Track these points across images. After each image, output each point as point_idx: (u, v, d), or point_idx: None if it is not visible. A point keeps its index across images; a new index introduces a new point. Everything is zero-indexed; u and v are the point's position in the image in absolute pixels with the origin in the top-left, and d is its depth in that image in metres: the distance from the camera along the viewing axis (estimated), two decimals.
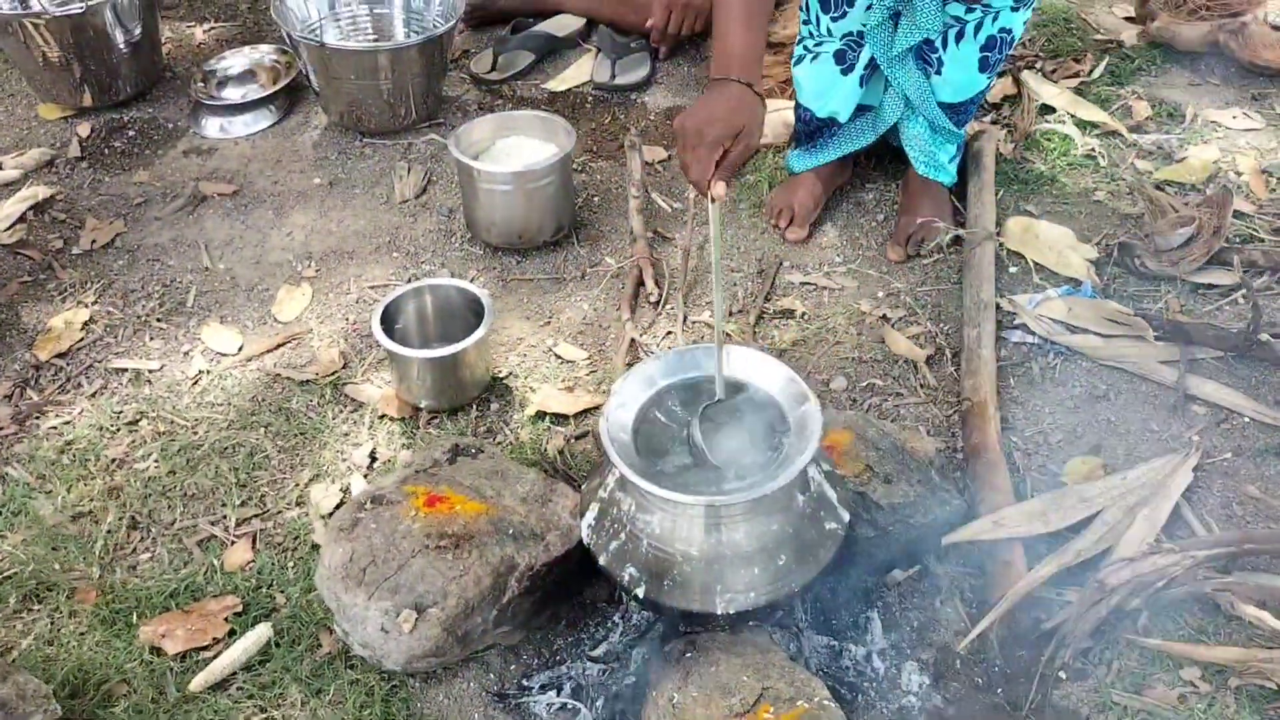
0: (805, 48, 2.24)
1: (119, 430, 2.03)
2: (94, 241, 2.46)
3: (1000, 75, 2.66)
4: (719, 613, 1.40)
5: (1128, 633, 1.62)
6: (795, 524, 1.42)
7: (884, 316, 2.18)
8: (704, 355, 1.51)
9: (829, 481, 1.48)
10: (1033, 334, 2.10)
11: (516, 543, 1.58)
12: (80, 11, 2.64)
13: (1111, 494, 1.79)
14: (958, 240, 2.27)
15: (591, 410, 2.03)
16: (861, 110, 2.33)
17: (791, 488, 1.40)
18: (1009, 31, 2.09)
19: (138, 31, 2.78)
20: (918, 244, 2.30)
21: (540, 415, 2.02)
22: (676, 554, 1.40)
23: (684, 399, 1.51)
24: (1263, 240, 2.26)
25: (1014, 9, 2.05)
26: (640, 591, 1.42)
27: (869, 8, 2.10)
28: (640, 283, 2.28)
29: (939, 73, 2.15)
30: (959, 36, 2.09)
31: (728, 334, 2.15)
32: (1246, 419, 1.94)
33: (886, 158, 2.49)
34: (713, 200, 1.52)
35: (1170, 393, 1.99)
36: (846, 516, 1.48)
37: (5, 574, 1.79)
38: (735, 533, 1.39)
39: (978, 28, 2.07)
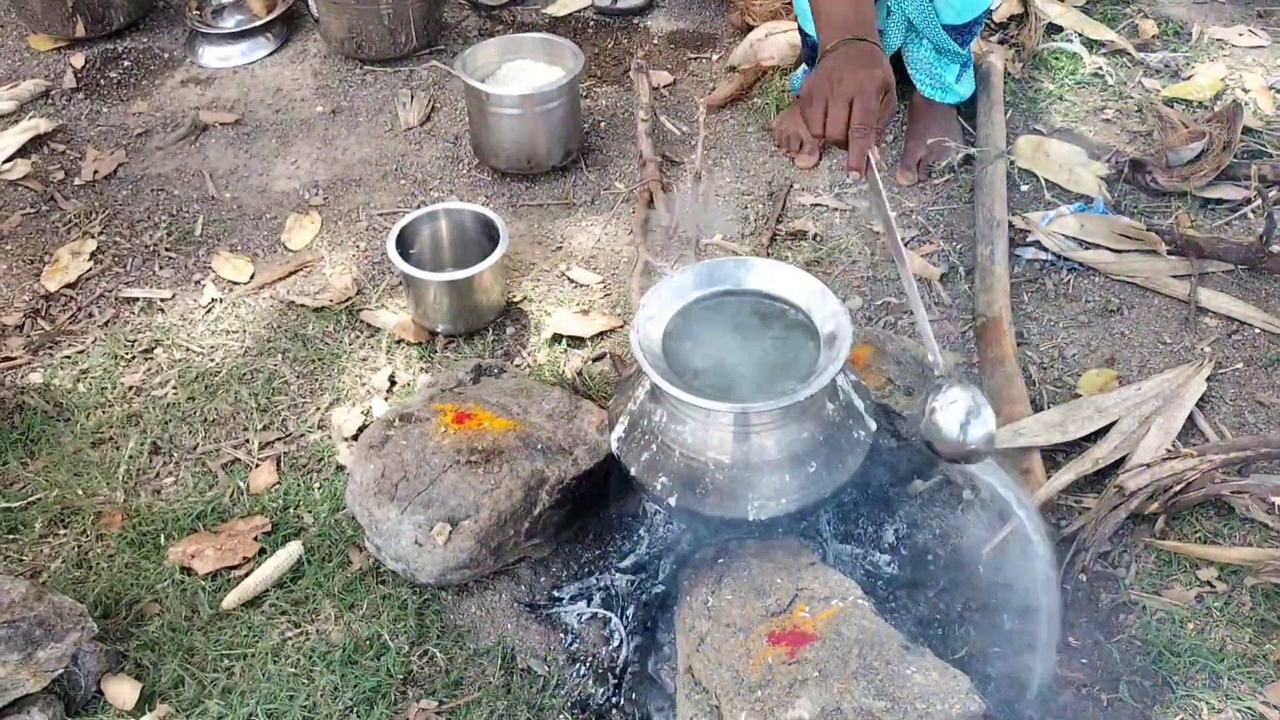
0: None
1: (134, 358, 2.03)
2: (96, 172, 2.43)
3: None
4: (750, 519, 1.42)
5: (1145, 535, 1.65)
6: (825, 431, 1.43)
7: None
8: (734, 268, 1.51)
9: (856, 392, 1.50)
10: (1045, 250, 2.11)
11: (545, 457, 1.59)
12: None
13: (1126, 404, 1.82)
14: (968, 159, 2.27)
15: (607, 333, 2.04)
16: None
17: (822, 396, 1.41)
18: None
19: None
20: (928, 167, 2.30)
21: (557, 338, 2.02)
22: (709, 462, 1.42)
23: (714, 311, 1.51)
24: (1271, 155, 2.27)
25: None
26: (673, 500, 1.44)
27: None
28: (651, 206, 2.27)
29: None
30: None
31: (736, 253, 2.15)
32: (1257, 330, 1.96)
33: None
34: (873, 164, 1.40)
35: (1182, 306, 2.01)
36: (873, 425, 1.50)
37: (30, 499, 1.79)
38: (766, 440, 1.41)
39: None
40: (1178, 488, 1.64)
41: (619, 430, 1.52)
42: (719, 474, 1.42)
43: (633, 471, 1.49)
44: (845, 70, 1.41)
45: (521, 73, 2.37)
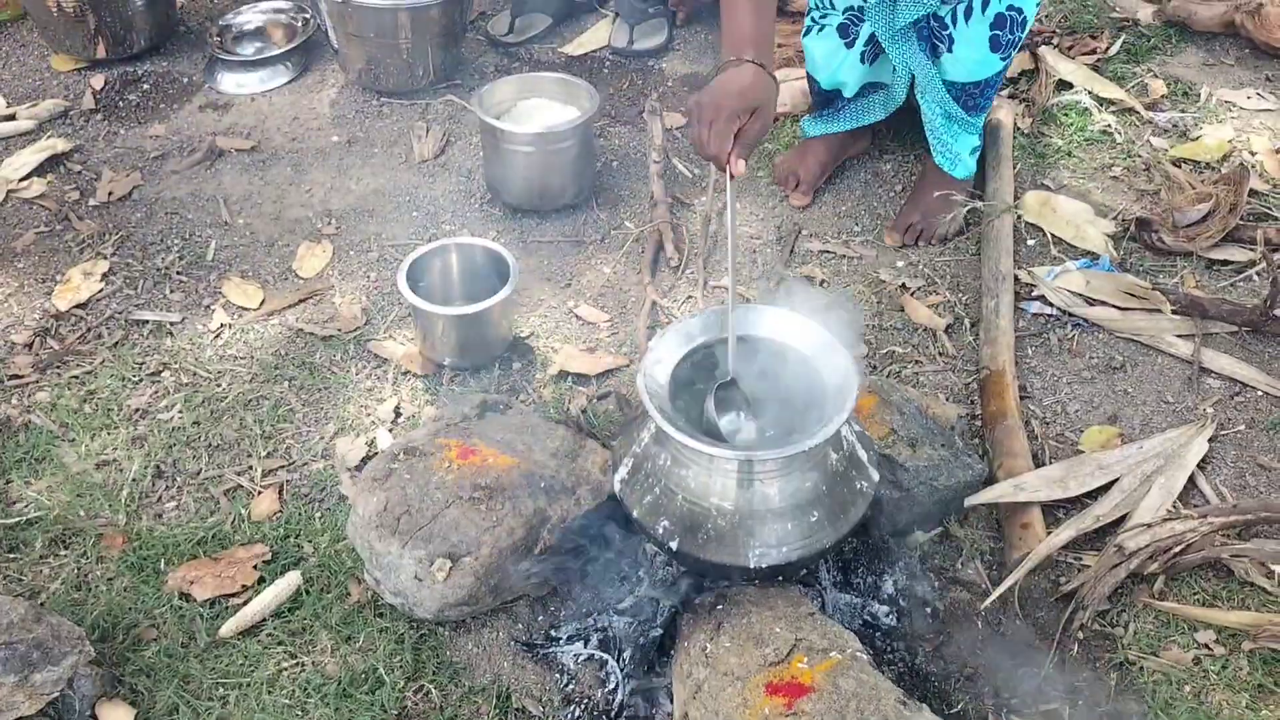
0: (813, 19, 2.25)
1: (141, 381, 2.04)
2: (111, 194, 2.45)
3: (1019, 50, 2.66)
4: (751, 566, 1.42)
5: (1144, 595, 1.65)
6: (828, 481, 1.44)
7: (903, 285, 2.20)
8: (742, 314, 1.52)
9: (860, 442, 1.51)
10: (1050, 305, 2.12)
11: (548, 495, 1.60)
12: None
13: (1128, 462, 1.83)
14: (974, 213, 2.29)
15: (613, 371, 2.05)
16: (876, 87, 2.33)
17: (826, 446, 1.42)
18: (1019, 11, 2.06)
19: None
20: (915, 235, 2.30)
21: (563, 375, 2.03)
22: (711, 508, 1.42)
23: (718, 358, 1.52)
24: (1277, 218, 2.28)
25: None
26: (674, 544, 1.44)
27: None
28: (660, 247, 2.29)
29: (950, 50, 2.14)
30: (968, 13, 2.07)
31: (746, 297, 2.16)
32: (1260, 392, 1.97)
33: (905, 129, 2.50)
34: (732, 177, 1.54)
35: (1185, 365, 2.02)
36: (876, 476, 1.50)
37: (31, 519, 1.80)
38: (770, 488, 1.41)
39: (985, 4, 2.06)
40: (1178, 549, 1.65)
41: (622, 472, 1.53)
42: (721, 520, 1.42)
43: (635, 514, 1.50)
44: (707, 95, 1.58)
45: (537, 111, 2.39)
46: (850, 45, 2.20)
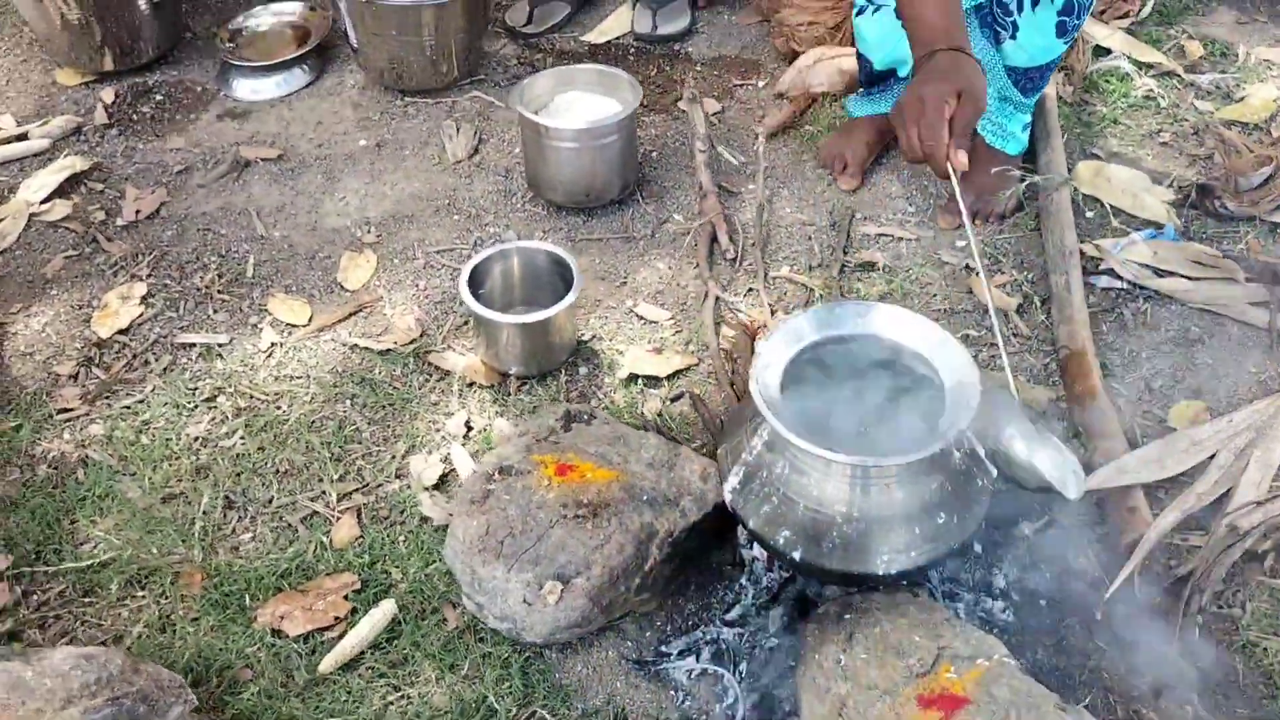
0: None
1: (196, 407, 1.97)
2: (138, 212, 2.36)
3: None
4: (880, 573, 1.38)
5: (1258, 575, 1.63)
6: (953, 481, 1.40)
7: (967, 266, 2.16)
8: (850, 312, 1.48)
9: (978, 438, 1.47)
10: (1120, 279, 2.09)
11: (653, 509, 1.55)
12: None
13: (1220, 437, 1.80)
14: (1032, 189, 2.25)
15: (683, 371, 2.00)
16: None
17: (949, 446, 1.38)
18: None
19: None
20: (972, 215, 2.25)
21: (632, 378, 1.98)
22: (835, 515, 1.38)
23: (829, 356, 1.48)
24: None
25: None
26: (797, 555, 1.40)
27: None
28: (714, 238, 2.23)
29: (1014, 38, 2.08)
30: (1035, 1, 2.03)
31: (809, 287, 2.12)
32: None
33: None
34: (954, 171, 1.49)
35: (1263, 334, 2.00)
36: (995, 472, 1.47)
37: (102, 560, 1.73)
38: (896, 492, 1.37)
39: None
40: None
41: (733, 481, 1.48)
42: (846, 527, 1.38)
43: (751, 524, 1.45)
44: (907, 95, 1.51)
45: (576, 104, 2.33)
46: None
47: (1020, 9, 2.03)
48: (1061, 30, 2.04)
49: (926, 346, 1.44)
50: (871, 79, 2.35)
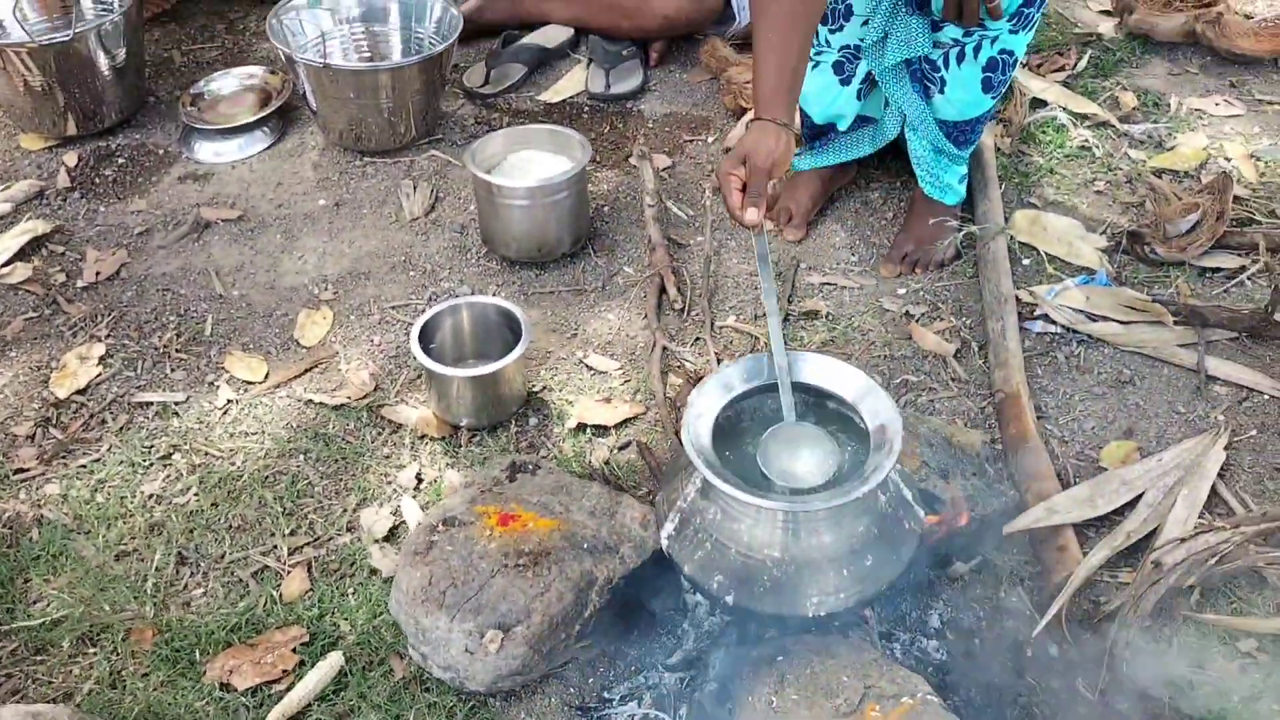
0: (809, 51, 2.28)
1: (152, 465, 2.00)
2: (98, 273, 2.41)
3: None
4: (810, 615, 1.42)
5: (1183, 610, 1.67)
6: (880, 524, 1.44)
7: (907, 313, 2.22)
8: (773, 361, 1.52)
9: (904, 481, 1.51)
10: (1054, 324, 2.15)
11: (593, 556, 1.59)
12: (66, 39, 2.58)
13: (1150, 476, 1.85)
14: (969, 238, 2.32)
15: (631, 420, 2.04)
16: (865, 121, 2.36)
17: (875, 490, 1.43)
18: (1010, 53, 2.10)
19: (123, 56, 2.72)
20: (911, 265, 2.32)
21: (581, 427, 2.03)
22: (766, 559, 1.42)
23: (759, 405, 1.53)
24: (1260, 222, 2.34)
25: (1013, 31, 2.08)
26: (730, 598, 1.44)
27: (865, 23, 2.14)
28: (662, 290, 2.29)
29: (942, 92, 2.18)
30: (960, 57, 2.12)
31: (754, 336, 2.17)
32: (1266, 396, 2.02)
33: (888, 156, 2.53)
34: (750, 228, 1.59)
35: (1192, 375, 2.06)
36: (922, 514, 1.51)
37: (55, 618, 1.75)
38: (824, 536, 1.42)
39: (977, 49, 2.10)
40: (1213, 560, 1.67)
41: (669, 528, 1.52)
42: (776, 571, 1.42)
43: (686, 570, 1.49)
44: (724, 159, 1.68)
45: (529, 163, 2.39)
46: (846, 82, 2.23)
47: (947, 65, 2.12)
48: (987, 86, 2.13)
49: (853, 392, 1.49)
50: (813, 132, 2.43)
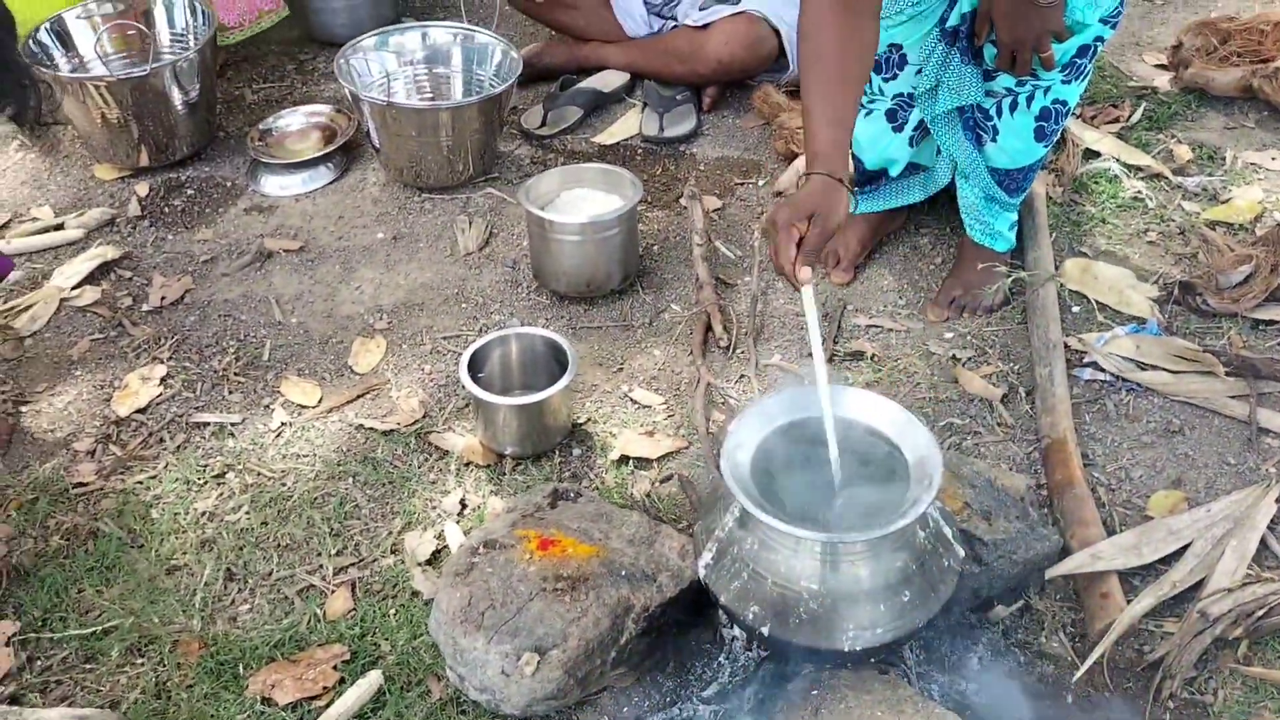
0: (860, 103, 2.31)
1: (206, 483, 2.05)
2: (163, 298, 2.49)
3: None
4: (845, 649, 1.42)
5: (1230, 662, 1.64)
6: (918, 560, 1.44)
7: (954, 357, 2.22)
8: (817, 394, 1.54)
9: (944, 519, 1.51)
10: (1103, 371, 2.14)
11: (630, 584, 1.60)
12: (143, 75, 2.69)
13: (1198, 526, 1.83)
14: (1018, 284, 2.32)
15: (673, 454, 2.06)
16: (917, 168, 2.38)
17: (914, 524, 1.43)
18: (1063, 103, 2.12)
19: (195, 93, 2.83)
20: (959, 309, 2.32)
21: (624, 459, 2.05)
22: (802, 591, 1.43)
23: (798, 436, 1.54)
24: None
25: (1065, 82, 2.09)
26: (765, 630, 1.45)
27: (918, 72, 2.17)
28: (709, 328, 2.32)
29: (994, 140, 2.20)
30: (1013, 106, 2.13)
31: (799, 374, 2.18)
32: None
33: (940, 203, 2.55)
34: (800, 285, 1.58)
35: (1243, 426, 2.03)
36: (961, 552, 1.51)
37: (105, 628, 1.80)
38: (861, 569, 1.42)
39: (1030, 98, 2.12)
40: (1261, 612, 1.64)
41: (706, 558, 1.53)
42: (813, 603, 1.43)
43: (723, 600, 1.50)
44: (783, 212, 1.63)
45: (581, 200, 2.44)
46: (899, 130, 2.26)
47: (1000, 113, 2.14)
48: (1040, 135, 2.14)
49: (892, 427, 1.50)
50: (864, 178, 2.45)
